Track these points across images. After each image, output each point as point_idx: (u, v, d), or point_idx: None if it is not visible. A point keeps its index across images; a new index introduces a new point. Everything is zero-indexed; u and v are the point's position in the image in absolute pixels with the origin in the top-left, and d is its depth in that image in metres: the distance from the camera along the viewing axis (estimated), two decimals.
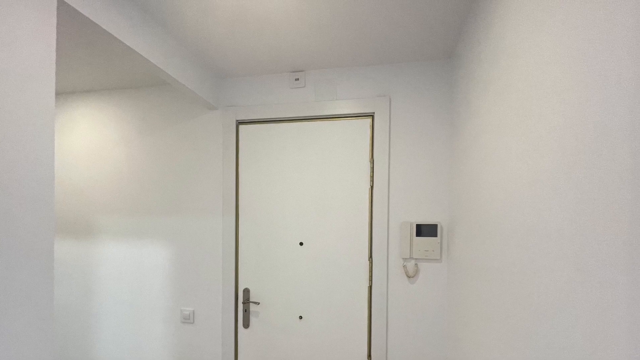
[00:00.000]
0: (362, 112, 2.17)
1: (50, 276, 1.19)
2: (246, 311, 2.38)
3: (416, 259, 2.13)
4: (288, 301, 2.33)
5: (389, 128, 2.15)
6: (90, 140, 2.63)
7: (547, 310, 0.83)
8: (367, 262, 2.21)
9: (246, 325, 2.38)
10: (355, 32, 1.80)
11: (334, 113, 2.21)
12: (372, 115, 2.18)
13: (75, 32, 1.85)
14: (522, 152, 0.98)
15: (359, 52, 2.02)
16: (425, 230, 2.09)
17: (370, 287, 2.20)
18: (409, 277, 2.13)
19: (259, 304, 2.36)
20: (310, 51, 2.01)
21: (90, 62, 2.18)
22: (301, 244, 2.30)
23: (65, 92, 2.66)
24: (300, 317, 2.31)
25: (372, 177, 2.18)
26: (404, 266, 2.13)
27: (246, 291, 2.37)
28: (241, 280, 2.40)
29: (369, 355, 2.22)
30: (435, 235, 2.08)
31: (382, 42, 1.90)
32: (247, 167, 2.37)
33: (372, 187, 2.18)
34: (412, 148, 2.13)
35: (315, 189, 2.27)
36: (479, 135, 1.44)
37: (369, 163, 2.19)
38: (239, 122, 2.38)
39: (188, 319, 2.46)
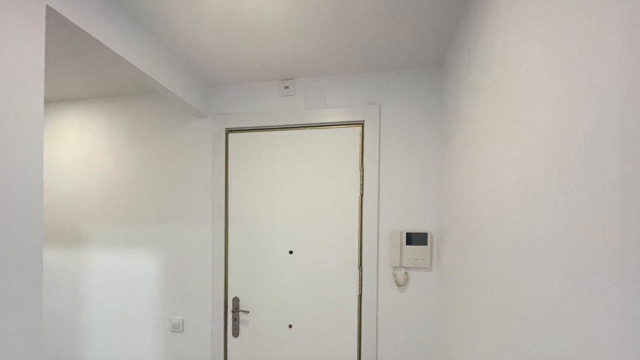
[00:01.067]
0: (352, 120, 2.18)
1: (39, 285, 1.18)
2: (235, 320, 2.35)
3: (406, 267, 2.12)
4: (278, 310, 2.31)
5: (379, 136, 2.15)
6: (79, 149, 2.60)
7: (537, 319, 0.83)
8: (357, 271, 2.20)
9: (235, 334, 2.36)
10: (345, 39, 1.81)
11: (323, 121, 2.21)
12: (362, 123, 2.19)
13: (64, 40, 1.82)
14: (512, 160, 0.99)
15: (349, 60, 2.03)
16: (415, 238, 2.09)
17: (360, 296, 2.20)
18: (399, 285, 2.13)
19: (248, 312, 2.34)
20: (300, 59, 2.02)
21: (79, 70, 2.16)
22: (291, 252, 2.28)
23: (54, 100, 2.63)
24: (290, 326, 2.29)
25: (362, 185, 2.18)
26: (394, 275, 2.13)
27: (235, 300, 2.35)
28: (230, 288, 2.37)
29: None
30: (426, 244, 2.08)
31: (372, 49, 1.91)
32: (237, 175, 2.36)
33: (362, 195, 2.18)
34: (402, 156, 2.13)
35: (305, 197, 2.27)
36: (469, 143, 1.45)
37: (359, 171, 2.19)
38: (229, 130, 2.37)
39: (177, 328, 2.43)
